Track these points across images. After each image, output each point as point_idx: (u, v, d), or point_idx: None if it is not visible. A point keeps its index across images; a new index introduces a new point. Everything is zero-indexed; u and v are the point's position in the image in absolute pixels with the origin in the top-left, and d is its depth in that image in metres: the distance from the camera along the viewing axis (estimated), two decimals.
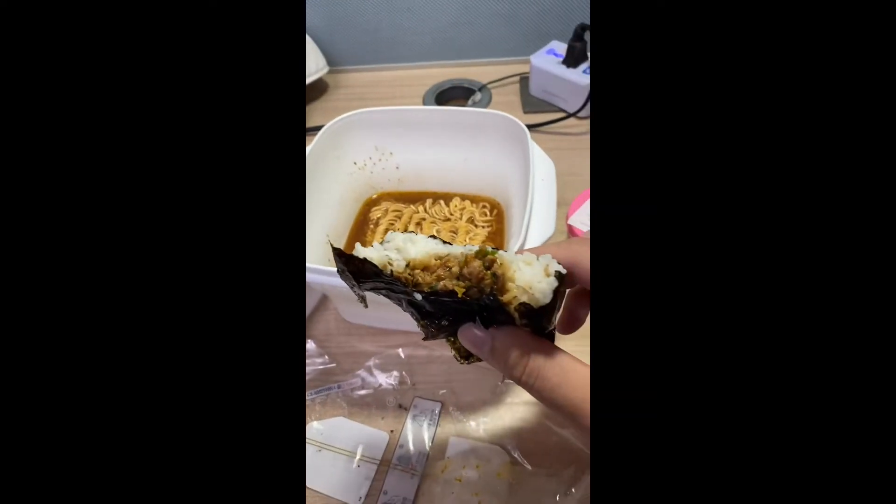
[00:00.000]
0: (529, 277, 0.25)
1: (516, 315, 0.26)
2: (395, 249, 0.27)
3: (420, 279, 0.26)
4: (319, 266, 0.44)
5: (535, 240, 0.47)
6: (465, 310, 0.27)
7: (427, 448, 0.50)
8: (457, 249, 0.27)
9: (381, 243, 0.27)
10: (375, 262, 0.26)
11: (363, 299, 0.30)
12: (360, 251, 0.27)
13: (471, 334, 0.28)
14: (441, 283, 0.26)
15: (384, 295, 0.29)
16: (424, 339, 0.31)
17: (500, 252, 0.26)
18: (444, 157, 0.65)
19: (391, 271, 0.26)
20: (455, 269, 0.26)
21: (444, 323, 0.29)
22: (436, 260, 0.26)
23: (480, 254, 0.26)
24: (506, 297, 0.25)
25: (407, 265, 0.26)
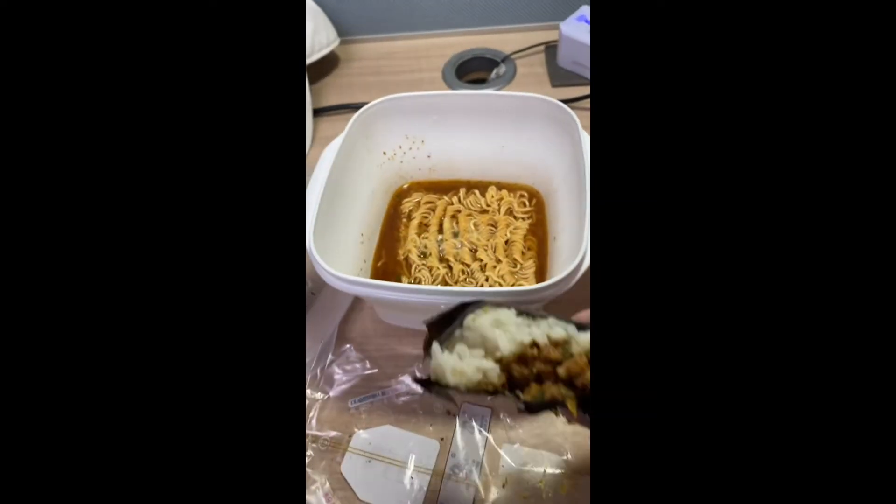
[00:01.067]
0: None
1: None
2: (481, 345, 0.23)
3: (517, 373, 0.23)
4: (351, 277, 0.41)
5: None
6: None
7: (480, 456, 0.49)
8: (555, 332, 0.23)
9: (461, 342, 0.24)
10: (473, 383, 0.23)
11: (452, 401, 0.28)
12: (446, 364, 0.23)
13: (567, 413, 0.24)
14: (547, 392, 0.23)
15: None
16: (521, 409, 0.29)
17: None
18: (478, 145, 0.61)
19: (490, 387, 0.23)
20: (563, 372, 0.23)
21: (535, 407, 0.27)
22: (531, 348, 0.23)
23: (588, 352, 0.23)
24: None
25: (499, 361, 0.23)
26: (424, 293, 0.40)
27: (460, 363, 0.23)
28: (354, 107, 0.74)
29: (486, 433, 0.50)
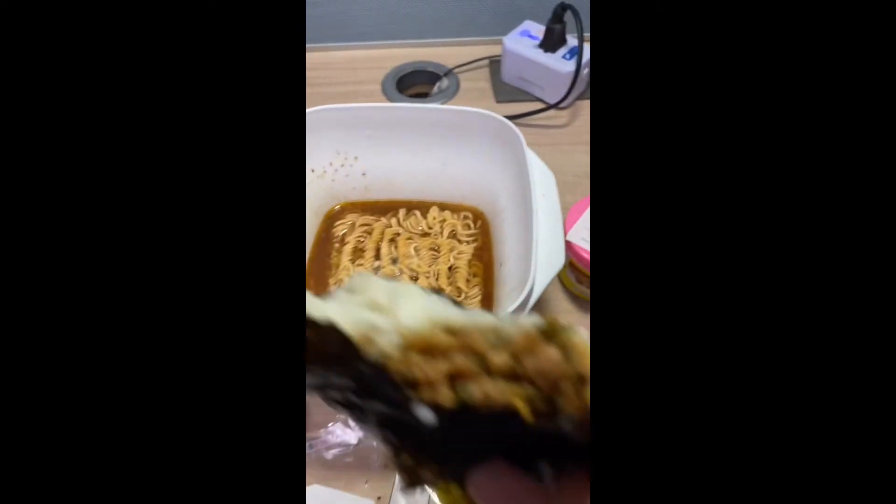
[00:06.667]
0: None
1: None
2: (369, 306, 0.14)
3: (420, 374, 0.14)
4: None
5: (544, 274, 0.40)
6: (501, 438, 0.15)
7: None
8: (483, 319, 0.14)
9: (344, 290, 0.16)
10: (350, 332, 0.14)
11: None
12: (316, 305, 0.15)
13: (505, 484, 0.16)
14: (477, 390, 0.13)
15: (335, 401, 0.17)
16: (405, 487, 0.19)
17: (579, 329, 0.14)
18: (418, 162, 0.56)
19: (378, 354, 0.14)
20: (500, 361, 0.14)
21: (448, 458, 0.17)
22: (447, 335, 0.14)
23: (550, 331, 0.14)
24: None
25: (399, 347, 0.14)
26: None
27: (338, 307, 0.15)
28: None
29: (430, 489, 0.44)
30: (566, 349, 0.13)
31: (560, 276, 0.56)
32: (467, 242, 0.55)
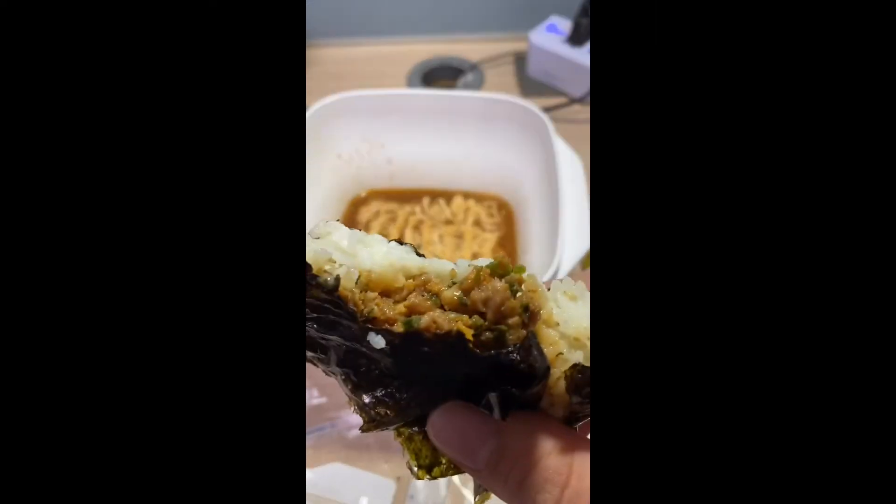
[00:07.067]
0: (584, 320, 0.15)
1: (563, 386, 0.15)
2: (335, 248, 0.15)
3: (378, 312, 0.15)
4: None
5: (569, 257, 0.40)
6: (452, 375, 0.16)
7: (443, 497, 0.43)
8: (441, 265, 0.16)
9: (309, 235, 0.17)
10: (308, 260, 0.15)
11: None
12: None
13: (459, 422, 0.16)
14: (425, 317, 0.14)
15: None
16: (364, 428, 0.20)
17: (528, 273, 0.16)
18: (443, 150, 0.56)
19: (333, 280, 0.14)
20: (450, 295, 0.15)
21: (404, 396, 0.17)
22: (408, 279, 0.15)
23: (499, 270, 0.15)
24: (548, 352, 0.15)
25: (356, 282, 0.15)
26: None
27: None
28: None
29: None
30: (514, 283, 0.15)
31: (583, 263, 0.55)
32: (491, 231, 0.56)
